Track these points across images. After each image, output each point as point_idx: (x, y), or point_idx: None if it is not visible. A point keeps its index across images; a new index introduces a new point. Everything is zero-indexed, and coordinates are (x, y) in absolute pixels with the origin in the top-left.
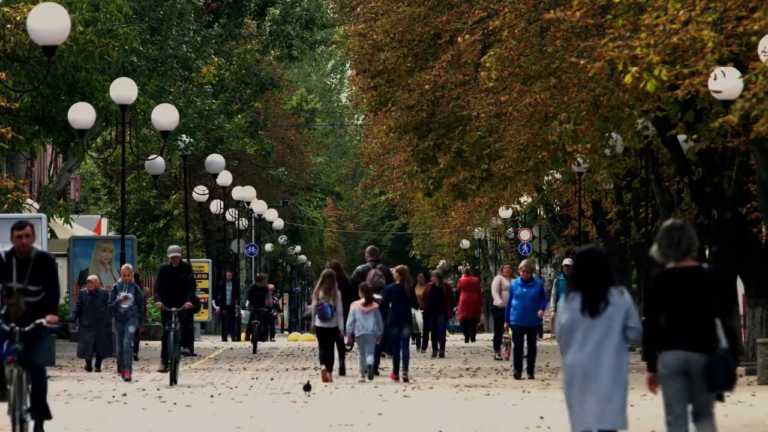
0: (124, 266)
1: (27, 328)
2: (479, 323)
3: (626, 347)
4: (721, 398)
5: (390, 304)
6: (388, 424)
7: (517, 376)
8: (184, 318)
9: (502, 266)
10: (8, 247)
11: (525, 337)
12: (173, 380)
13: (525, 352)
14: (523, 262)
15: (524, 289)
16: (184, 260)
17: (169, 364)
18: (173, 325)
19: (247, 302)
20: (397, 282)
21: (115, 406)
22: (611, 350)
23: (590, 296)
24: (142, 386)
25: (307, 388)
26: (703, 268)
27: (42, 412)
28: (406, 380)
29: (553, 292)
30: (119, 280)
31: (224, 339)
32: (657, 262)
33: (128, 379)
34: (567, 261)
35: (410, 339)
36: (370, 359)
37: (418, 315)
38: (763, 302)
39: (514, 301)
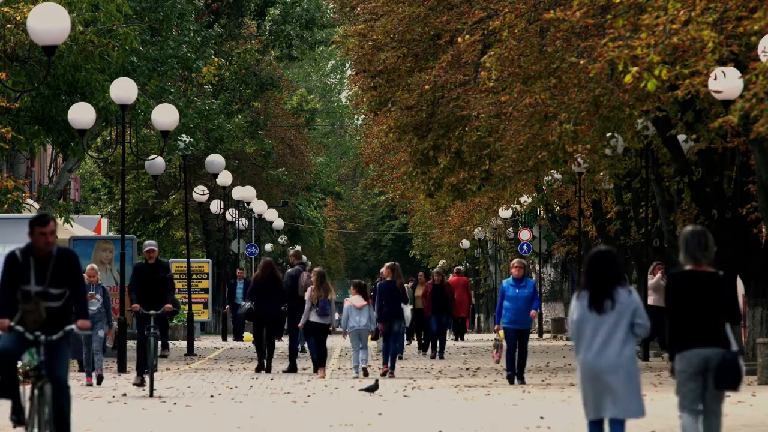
0: (88, 266)
1: (55, 337)
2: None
3: (634, 342)
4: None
5: (382, 301)
6: (388, 424)
7: (511, 380)
8: (162, 320)
9: (654, 265)
10: (23, 244)
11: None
12: (151, 392)
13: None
14: (517, 259)
15: (517, 290)
16: (162, 258)
17: (147, 372)
18: (152, 330)
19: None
20: (388, 279)
21: (115, 406)
22: (619, 345)
23: (596, 294)
24: (141, 386)
25: (375, 388)
26: (719, 274)
27: None
28: (392, 376)
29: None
30: (85, 281)
31: (224, 339)
32: (683, 264)
33: (91, 384)
34: None
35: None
36: (363, 355)
37: (406, 310)
38: (763, 302)
39: (506, 303)
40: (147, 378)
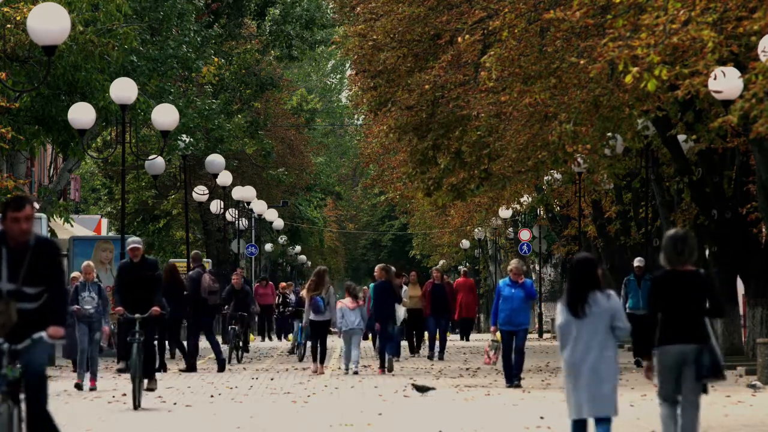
0: (84, 263)
1: (20, 346)
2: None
3: (614, 344)
4: (705, 390)
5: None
6: (388, 424)
7: (509, 382)
8: (149, 330)
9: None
10: None
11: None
12: (137, 403)
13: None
14: (513, 264)
15: (513, 290)
16: (149, 256)
17: (132, 379)
18: (137, 336)
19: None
20: (382, 279)
21: (115, 406)
22: (599, 347)
23: (573, 299)
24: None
25: (423, 389)
26: (700, 272)
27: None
28: (390, 371)
29: (622, 293)
30: (81, 279)
31: (224, 340)
32: (663, 266)
33: (93, 388)
34: (637, 261)
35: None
36: (355, 356)
37: (400, 310)
38: (763, 302)
39: (501, 303)
40: (131, 369)
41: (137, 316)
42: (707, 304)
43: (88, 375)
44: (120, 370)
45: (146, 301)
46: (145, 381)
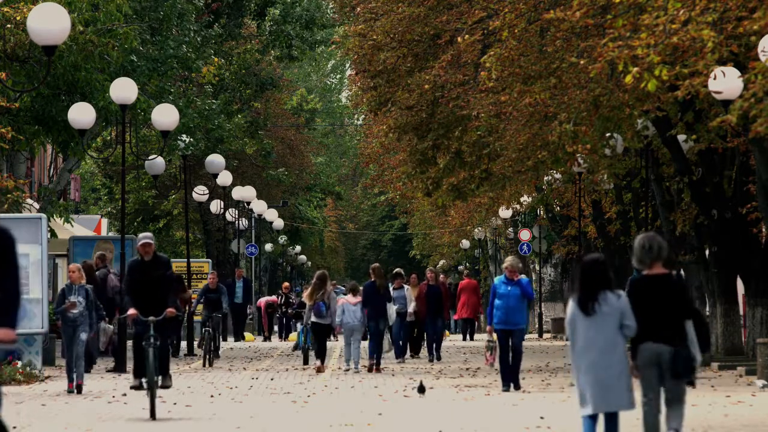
0: (71, 265)
1: None
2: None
3: (623, 342)
4: (692, 383)
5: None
6: (388, 424)
7: (505, 384)
8: (164, 333)
9: None
10: None
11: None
12: (152, 413)
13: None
14: (508, 261)
15: (509, 288)
16: (161, 253)
17: (148, 387)
18: (152, 340)
19: (199, 306)
20: (372, 280)
21: (115, 406)
22: (607, 344)
23: (584, 298)
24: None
25: (422, 390)
26: (672, 275)
27: None
28: (378, 371)
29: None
30: (67, 281)
31: (224, 339)
32: (635, 268)
33: (72, 391)
34: None
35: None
36: (356, 353)
37: (390, 308)
38: (763, 302)
39: (497, 302)
40: (145, 383)
41: (151, 318)
42: (681, 306)
43: (75, 375)
44: (134, 387)
45: (160, 302)
46: (159, 378)
